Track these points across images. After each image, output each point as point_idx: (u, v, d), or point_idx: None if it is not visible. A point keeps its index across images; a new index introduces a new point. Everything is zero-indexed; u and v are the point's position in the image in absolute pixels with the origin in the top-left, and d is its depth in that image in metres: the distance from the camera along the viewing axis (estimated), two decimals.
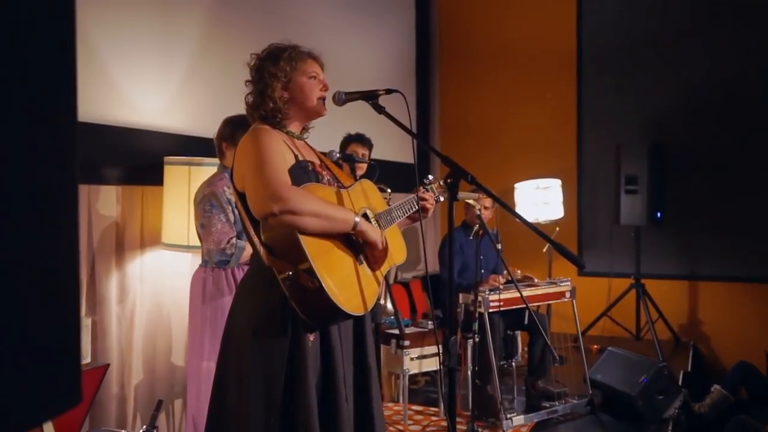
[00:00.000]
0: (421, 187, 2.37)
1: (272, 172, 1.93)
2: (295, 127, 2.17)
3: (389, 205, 2.30)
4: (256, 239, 1.99)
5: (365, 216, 2.14)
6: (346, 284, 1.97)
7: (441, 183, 2.43)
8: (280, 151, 2.01)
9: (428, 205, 2.35)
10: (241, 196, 2.03)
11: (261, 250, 1.97)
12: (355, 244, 2.06)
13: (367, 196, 2.22)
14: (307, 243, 1.88)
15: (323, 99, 2.17)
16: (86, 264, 3.04)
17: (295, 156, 2.06)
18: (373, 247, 2.07)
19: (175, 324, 3.50)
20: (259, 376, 1.97)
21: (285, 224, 1.88)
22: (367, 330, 2.21)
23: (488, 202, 4.50)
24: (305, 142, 2.23)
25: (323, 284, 1.85)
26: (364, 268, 2.08)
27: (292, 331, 1.96)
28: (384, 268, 2.16)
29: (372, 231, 2.07)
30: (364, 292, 2.04)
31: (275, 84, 2.10)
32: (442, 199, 2.42)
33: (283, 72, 2.11)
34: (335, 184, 2.15)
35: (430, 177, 2.44)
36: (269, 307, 1.98)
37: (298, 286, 1.87)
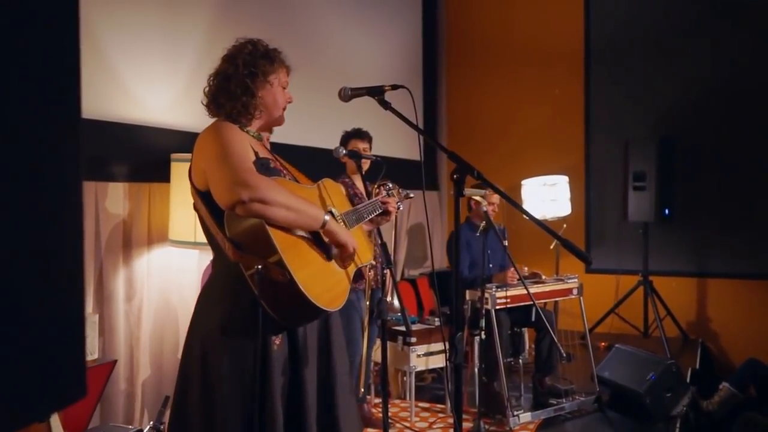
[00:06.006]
0: (383, 191, 2.43)
1: (239, 160, 1.87)
2: (252, 128, 2.11)
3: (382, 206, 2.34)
4: (220, 236, 1.91)
5: (331, 214, 2.09)
6: (318, 279, 1.92)
7: (400, 190, 2.53)
8: (243, 143, 1.95)
9: (391, 208, 2.38)
10: (202, 194, 1.96)
11: (226, 245, 1.89)
12: (322, 240, 2.01)
13: (330, 195, 2.17)
14: (276, 235, 1.83)
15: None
16: (94, 261, 3.04)
17: (255, 153, 1.99)
18: (343, 249, 2.02)
19: (182, 320, 3.50)
20: (233, 382, 1.88)
21: (253, 213, 1.81)
22: (334, 333, 2.12)
23: (494, 198, 4.49)
24: (261, 143, 2.15)
25: (294, 277, 1.79)
26: (334, 265, 2.04)
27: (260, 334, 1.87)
28: (351, 268, 2.11)
29: (342, 232, 2.01)
30: (335, 288, 1.99)
31: (262, 83, 2.05)
32: (401, 207, 2.50)
33: (275, 75, 2.08)
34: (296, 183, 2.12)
35: (390, 184, 2.51)
36: (238, 309, 1.90)
37: (269, 281, 1.81)
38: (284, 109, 2.15)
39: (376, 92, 2.17)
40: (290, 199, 1.87)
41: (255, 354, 1.87)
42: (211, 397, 1.90)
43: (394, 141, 4.78)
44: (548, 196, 5.75)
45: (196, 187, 1.98)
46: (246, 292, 1.84)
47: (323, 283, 1.94)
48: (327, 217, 1.96)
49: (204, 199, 1.95)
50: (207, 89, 2.10)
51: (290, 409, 1.96)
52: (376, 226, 2.45)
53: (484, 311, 3.79)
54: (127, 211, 3.23)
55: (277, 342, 1.94)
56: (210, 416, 1.91)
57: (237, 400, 1.89)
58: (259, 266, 1.80)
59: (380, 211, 2.37)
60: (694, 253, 5.98)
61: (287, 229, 1.89)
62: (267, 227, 1.82)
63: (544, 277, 4.32)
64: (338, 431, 2.07)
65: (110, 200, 3.14)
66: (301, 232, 1.94)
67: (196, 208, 2.04)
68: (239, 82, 2.03)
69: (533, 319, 4.14)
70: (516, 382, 4.30)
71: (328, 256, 2.02)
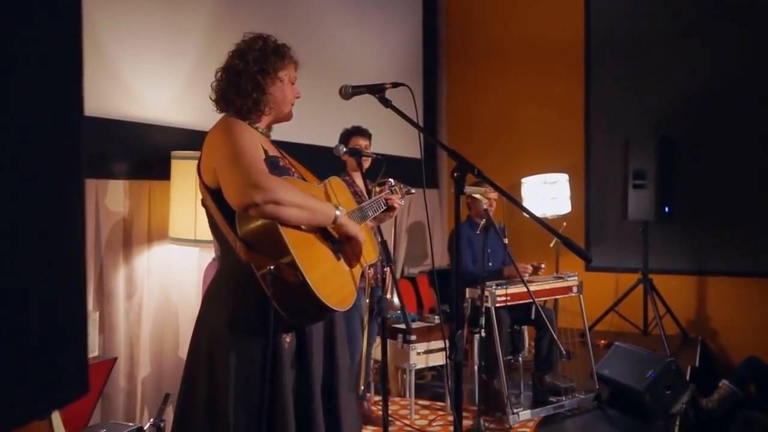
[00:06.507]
0: (386, 189, 2.45)
1: (252, 162, 1.85)
2: (261, 125, 2.10)
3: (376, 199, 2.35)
4: (231, 235, 1.90)
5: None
6: (328, 279, 1.93)
7: (401, 186, 2.55)
8: (254, 143, 1.94)
9: (396, 205, 2.40)
10: (212, 192, 1.94)
11: (238, 245, 1.88)
12: (332, 240, 2.02)
13: (336, 193, 2.18)
14: (288, 236, 1.83)
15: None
16: (94, 258, 3.04)
17: (265, 151, 1.98)
18: (354, 241, 2.03)
19: (182, 318, 3.51)
20: (239, 381, 1.88)
21: (266, 215, 1.81)
22: (338, 329, 2.12)
23: (492, 194, 4.49)
24: (269, 140, 2.14)
25: (306, 278, 1.80)
26: (343, 265, 2.04)
27: (270, 332, 1.86)
28: (357, 270, 2.12)
29: (352, 225, 2.02)
30: (344, 288, 2.00)
31: (273, 80, 2.04)
32: (403, 202, 2.52)
33: (285, 71, 2.07)
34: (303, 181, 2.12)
35: (392, 181, 2.53)
36: (247, 307, 1.89)
37: (281, 281, 1.80)
38: (292, 104, 2.14)
39: (377, 90, 2.17)
40: (303, 198, 1.88)
41: (265, 352, 1.86)
42: (217, 395, 1.90)
43: (395, 139, 4.78)
44: (548, 194, 5.75)
45: (206, 185, 1.96)
46: (253, 290, 1.84)
47: (333, 283, 1.95)
48: (338, 213, 1.97)
49: (214, 196, 1.94)
50: (215, 84, 2.08)
51: (299, 407, 1.96)
52: (378, 223, 2.46)
53: (483, 309, 3.79)
54: (128, 209, 3.23)
55: (288, 340, 1.94)
56: (215, 415, 1.90)
57: (243, 399, 1.88)
58: (272, 267, 1.80)
59: (384, 208, 2.38)
60: (694, 251, 5.98)
61: (298, 228, 1.89)
62: (279, 228, 1.82)
63: (543, 265, 4.31)
64: (339, 430, 2.07)
65: (110, 198, 3.14)
66: (311, 230, 1.94)
67: (205, 205, 2.02)
68: (250, 79, 2.01)
69: (533, 316, 4.14)
70: (516, 379, 4.31)
71: (337, 256, 2.03)
